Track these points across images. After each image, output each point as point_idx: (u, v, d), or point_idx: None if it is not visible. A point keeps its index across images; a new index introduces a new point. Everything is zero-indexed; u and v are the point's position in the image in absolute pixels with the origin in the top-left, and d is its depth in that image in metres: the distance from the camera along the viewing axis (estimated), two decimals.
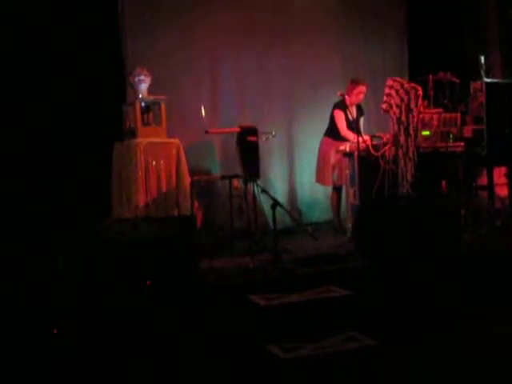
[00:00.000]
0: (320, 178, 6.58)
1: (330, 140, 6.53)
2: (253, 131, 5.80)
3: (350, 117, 6.44)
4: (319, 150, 6.59)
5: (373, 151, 5.95)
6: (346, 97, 6.35)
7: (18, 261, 4.43)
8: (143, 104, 5.83)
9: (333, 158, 6.42)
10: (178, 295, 4.07)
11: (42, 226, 5.22)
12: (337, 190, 6.54)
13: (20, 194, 5.47)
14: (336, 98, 6.45)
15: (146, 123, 5.85)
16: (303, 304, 4.05)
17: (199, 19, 6.69)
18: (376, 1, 7.82)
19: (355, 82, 6.52)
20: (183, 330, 3.93)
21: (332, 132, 6.53)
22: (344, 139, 6.39)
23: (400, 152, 5.98)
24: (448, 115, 6.28)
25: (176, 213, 5.68)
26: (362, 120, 6.59)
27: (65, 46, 5.79)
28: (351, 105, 6.43)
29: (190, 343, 3.88)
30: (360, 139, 5.79)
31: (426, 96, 6.20)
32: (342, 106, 6.46)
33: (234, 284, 4.49)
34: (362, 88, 6.50)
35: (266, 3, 7.13)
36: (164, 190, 5.71)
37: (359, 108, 6.62)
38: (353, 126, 6.37)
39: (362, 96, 6.53)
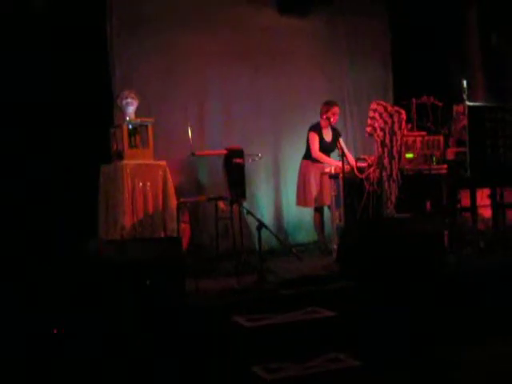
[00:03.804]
0: (301, 200, 6.61)
1: (308, 163, 6.58)
2: (239, 153, 5.86)
3: (325, 138, 6.56)
4: (299, 173, 6.64)
5: (357, 173, 6.00)
6: (321, 119, 6.50)
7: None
8: (130, 126, 5.88)
9: (313, 180, 6.48)
10: (162, 316, 4.09)
11: (28, 246, 5.23)
12: (319, 210, 6.60)
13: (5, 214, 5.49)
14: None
15: (133, 145, 5.89)
16: (288, 325, 4.07)
17: (186, 42, 6.81)
18: (361, 26, 7.95)
19: (329, 104, 6.59)
20: (164, 350, 3.94)
21: (310, 155, 6.58)
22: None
23: (384, 174, 6.03)
24: (431, 138, 6.32)
25: (162, 234, 5.71)
26: (341, 141, 6.64)
27: (54, 73, 5.85)
28: (326, 127, 6.51)
29: (171, 365, 3.89)
30: (344, 159, 5.86)
31: (409, 119, 6.27)
32: (316, 128, 6.56)
33: (219, 305, 4.50)
34: (336, 109, 6.57)
35: (253, 26, 7.24)
36: (150, 211, 5.73)
37: (334, 130, 6.69)
38: (330, 147, 6.50)
39: (336, 117, 6.60)
